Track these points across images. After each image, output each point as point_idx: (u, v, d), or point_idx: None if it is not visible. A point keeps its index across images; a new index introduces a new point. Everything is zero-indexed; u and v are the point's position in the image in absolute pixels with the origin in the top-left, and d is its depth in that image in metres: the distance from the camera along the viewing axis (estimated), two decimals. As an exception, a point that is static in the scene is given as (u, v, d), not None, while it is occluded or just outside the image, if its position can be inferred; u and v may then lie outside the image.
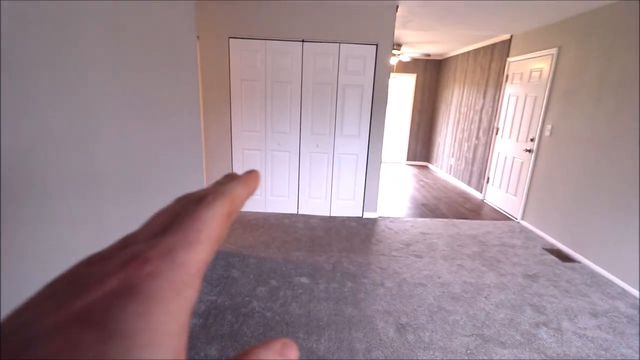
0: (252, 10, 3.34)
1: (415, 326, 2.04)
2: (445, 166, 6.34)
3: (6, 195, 0.98)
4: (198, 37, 3.39)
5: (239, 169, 3.79)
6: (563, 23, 3.44)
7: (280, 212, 3.92)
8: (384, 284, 2.49)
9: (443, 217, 4.02)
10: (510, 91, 4.32)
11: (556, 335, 2.04)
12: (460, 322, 2.10)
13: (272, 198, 3.89)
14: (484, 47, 5.09)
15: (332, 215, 3.91)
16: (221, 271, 2.59)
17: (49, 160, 1.14)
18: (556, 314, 2.25)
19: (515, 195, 4.11)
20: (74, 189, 1.28)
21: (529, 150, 3.85)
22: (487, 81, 4.95)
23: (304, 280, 2.51)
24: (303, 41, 3.42)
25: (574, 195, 3.17)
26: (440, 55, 6.58)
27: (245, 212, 3.86)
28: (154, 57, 1.85)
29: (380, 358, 1.78)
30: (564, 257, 3.10)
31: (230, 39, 3.43)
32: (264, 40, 3.43)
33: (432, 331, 2.01)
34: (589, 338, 2.03)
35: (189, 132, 2.43)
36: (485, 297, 2.39)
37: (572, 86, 3.27)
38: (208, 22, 3.36)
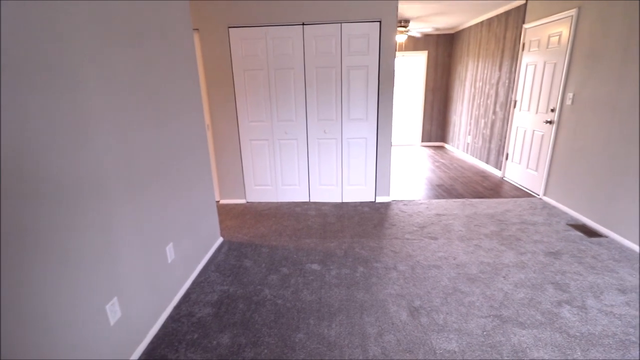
0: (249, -3, 3.26)
1: (429, 309, 1.99)
2: (462, 145, 6.12)
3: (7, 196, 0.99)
4: (197, 29, 3.37)
5: (248, 160, 3.80)
6: (583, -20, 3.16)
7: (292, 200, 3.91)
8: (397, 268, 2.44)
9: (459, 197, 3.89)
10: (528, 60, 4.07)
11: (580, 313, 1.94)
12: (477, 303, 2.03)
13: (283, 187, 3.88)
14: (497, 16, 4.79)
15: (344, 201, 3.87)
16: (234, 261, 2.62)
17: (41, 163, 1.15)
18: (580, 292, 2.13)
19: (536, 170, 3.90)
20: (73, 190, 1.30)
21: (550, 122, 3.63)
22: (502, 52, 4.68)
23: (315, 267, 2.49)
24: (303, 24, 3.33)
25: (599, 167, 2.97)
26: (452, 28, 6.27)
27: (258, 203, 3.88)
28: (150, 53, 1.84)
29: (392, 341, 1.75)
30: (590, 232, 2.93)
31: (230, 29, 3.38)
32: (263, 27, 3.36)
33: (447, 313, 1.95)
34: (616, 315, 1.91)
35: (194, 127, 2.43)
36: (504, 277, 2.30)
37: (594, 49, 3.02)
38: (205, 12, 3.32)
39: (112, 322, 1.55)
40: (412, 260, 2.53)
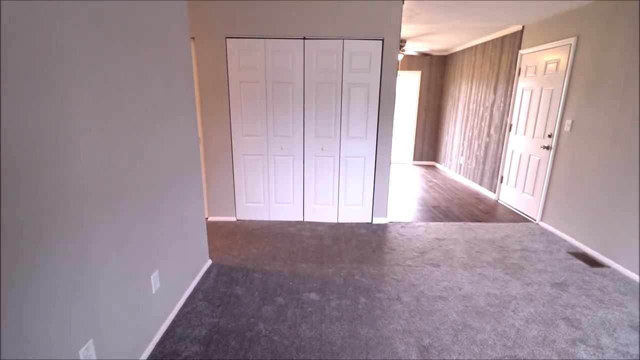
0: (250, 8, 3.15)
1: (440, 348, 1.84)
2: (455, 165, 6.12)
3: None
4: (193, 37, 3.21)
5: (240, 176, 3.61)
6: (581, 10, 3.22)
7: (285, 219, 3.73)
8: (401, 299, 2.28)
9: (456, 220, 3.81)
10: (524, 85, 4.11)
11: (597, 353, 1.83)
12: (489, 342, 1.89)
13: (276, 205, 3.70)
14: (492, 40, 4.87)
15: (340, 221, 3.71)
16: (223, 288, 2.40)
17: (28, 171, 0.95)
18: (593, 329, 2.04)
19: (532, 195, 3.88)
20: (56, 202, 1.10)
21: (547, 147, 3.63)
22: (497, 75, 4.74)
23: (313, 296, 2.31)
24: (304, 38, 3.23)
25: (598, 194, 2.95)
26: (446, 50, 6.36)
27: (249, 221, 3.67)
28: (145, 60, 1.67)
29: (404, 389, 1.58)
30: (592, 262, 2.88)
31: (228, 39, 3.24)
32: (262, 39, 3.24)
33: (459, 353, 1.80)
34: (633, 356, 1.81)
35: (186, 138, 2.24)
36: (513, 311, 2.18)
37: (594, 78, 3.05)
38: (203, 21, 3.18)
39: (84, 369, 1.32)
40: (416, 291, 2.38)
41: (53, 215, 1.14)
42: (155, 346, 1.82)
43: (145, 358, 1.73)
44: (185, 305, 2.20)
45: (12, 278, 0.99)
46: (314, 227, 3.54)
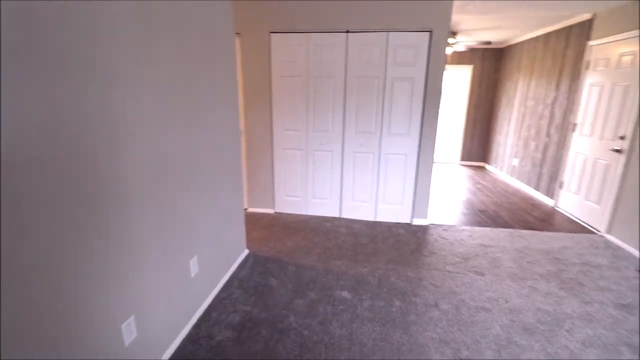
0: (294, 2, 3.16)
1: (479, 362, 1.71)
2: (507, 167, 5.68)
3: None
4: (239, 33, 3.30)
5: (279, 170, 3.66)
6: (671, -7, 2.77)
7: (322, 215, 3.72)
8: (439, 306, 2.16)
9: (506, 227, 3.52)
10: (592, 80, 3.66)
11: (672, 390, 1.58)
12: (537, 362, 1.72)
13: (313, 200, 3.70)
14: (556, 31, 4.41)
15: (377, 220, 3.62)
16: (258, 278, 2.45)
17: (65, 163, 1.03)
18: (668, 361, 1.76)
19: (598, 203, 3.46)
20: (99, 191, 1.18)
21: (618, 150, 3.21)
22: (560, 70, 4.28)
23: (345, 294, 2.27)
24: (347, 32, 3.17)
25: (684, 207, 2.53)
26: (502, 42, 5.90)
27: (286, 214, 3.72)
28: (191, 55, 1.74)
29: (436, 401, 1.49)
30: (670, 284, 2.49)
31: (272, 34, 3.29)
32: (305, 34, 3.23)
33: (501, 371, 1.66)
34: None
35: (228, 132, 2.31)
36: (568, 331, 1.95)
37: (684, 70, 2.62)
38: (248, 17, 3.25)
39: (126, 342, 1.41)
40: (456, 299, 2.24)
41: (103, 192, 1.22)
42: (192, 328, 1.91)
43: (182, 338, 1.82)
44: (221, 291, 2.28)
45: (71, 258, 1.08)
46: (350, 224, 3.49)
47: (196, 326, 1.93)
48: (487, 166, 6.50)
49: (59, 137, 1.03)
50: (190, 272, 1.89)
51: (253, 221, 3.52)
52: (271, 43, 3.31)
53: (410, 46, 3.11)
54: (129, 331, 1.42)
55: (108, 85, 1.22)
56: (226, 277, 2.42)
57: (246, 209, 3.82)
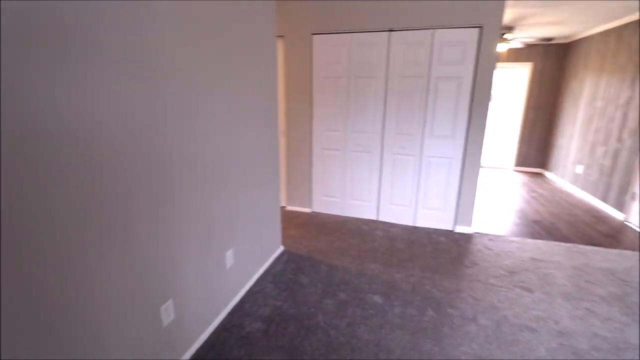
0: (336, 3, 3.17)
1: (518, 385, 1.56)
2: (569, 175, 5.14)
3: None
4: (282, 36, 3.40)
5: (318, 170, 3.70)
6: None
7: (359, 217, 3.68)
8: (477, 320, 2.02)
9: (563, 240, 3.18)
10: (680, 77, 3.17)
11: None
12: (589, 393, 1.53)
13: (351, 201, 3.67)
14: (632, 23, 3.89)
15: (416, 225, 3.49)
16: (290, 275, 2.49)
17: (124, 161, 1.15)
18: None
19: (681, 219, 2.99)
20: (162, 187, 1.30)
21: None
22: (637, 66, 3.77)
23: (377, 298, 2.22)
24: (390, 30, 3.10)
25: None
26: (566, 37, 5.35)
27: (323, 214, 3.74)
28: (232, 58, 1.83)
29: (466, 420, 1.39)
30: None
31: (314, 35, 3.33)
32: (347, 34, 3.23)
33: (544, 397, 1.50)
34: None
35: (268, 131, 2.39)
36: (631, 363, 1.71)
37: None
38: (291, 20, 3.33)
39: (165, 323, 1.52)
40: (498, 314, 2.07)
41: (160, 194, 1.33)
42: (226, 316, 2.00)
43: (216, 325, 1.92)
44: (255, 284, 2.36)
45: (119, 245, 1.20)
46: (387, 228, 3.41)
47: (229, 315, 2.02)
48: (547, 173, 5.93)
49: (129, 131, 1.15)
50: (226, 263, 1.99)
51: (290, 219, 3.59)
52: (313, 44, 3.36)
53: (457, 43, 2.96)
54: (167, 313, 1.54)
55: (157, 90, 1.33)
56: (260, 271, 2.50)
57: (284, 207, 3.91)
